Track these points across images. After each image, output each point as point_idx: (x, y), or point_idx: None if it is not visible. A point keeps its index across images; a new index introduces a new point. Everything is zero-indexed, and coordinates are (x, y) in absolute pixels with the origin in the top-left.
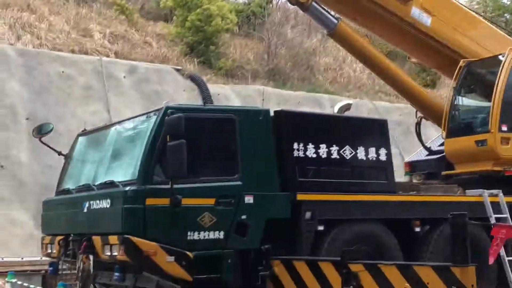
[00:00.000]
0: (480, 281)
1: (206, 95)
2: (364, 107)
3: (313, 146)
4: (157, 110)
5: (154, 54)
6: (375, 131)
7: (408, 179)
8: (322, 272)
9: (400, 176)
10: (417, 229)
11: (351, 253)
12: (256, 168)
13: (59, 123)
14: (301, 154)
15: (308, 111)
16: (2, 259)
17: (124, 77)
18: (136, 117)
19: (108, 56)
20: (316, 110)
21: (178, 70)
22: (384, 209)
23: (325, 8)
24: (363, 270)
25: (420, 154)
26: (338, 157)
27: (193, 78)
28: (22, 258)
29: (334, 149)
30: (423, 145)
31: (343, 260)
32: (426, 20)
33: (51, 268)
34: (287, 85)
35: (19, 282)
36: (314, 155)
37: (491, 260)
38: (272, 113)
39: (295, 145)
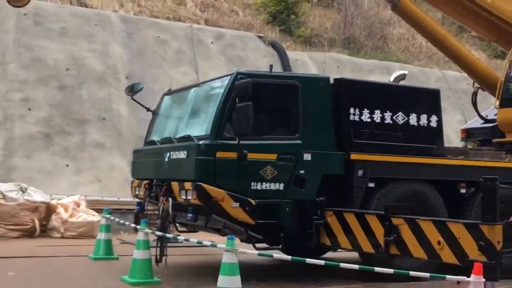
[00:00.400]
0: None
1: (285, 61)
2: (433, 76)
3: (368, 111)
4: (229, 75)
5: (239, 22)
6: (427, 99)
7: (463, 144)
8: (368, 224)
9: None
10: (463, 191)
11: (393, 208)
12: (315, 129)
13: (153, 82)
14: (356, 118)
15: (364, 80)
16: (102, 198)
17: (212, 42)
18: (211, 80)
19: (198, 23)
20: (386, 76)
21: (260, 37)
22: (431, 171)
23: None
24: (403, 224)
25: (476, 122)
26: (391, 122)
27: (273, 45)
28: (118, 198)
29: (388, 114)
30: (478, 113)
31: (386, 213)
32: None
33: (138, 207)
34: (361, 53)
35: (114, 219)
36: (369, 120)
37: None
38: (331, 81)
39: (351, 110)
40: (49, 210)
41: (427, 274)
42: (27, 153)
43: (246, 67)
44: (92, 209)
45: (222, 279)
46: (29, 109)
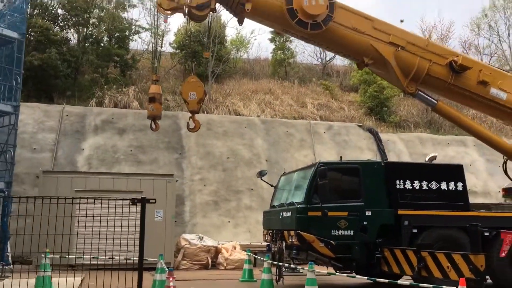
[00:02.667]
0: None
1: (378, 141)
2: None
3: (409, 181)
4: (315, 164)
5: (345, 115)
6: (453, 171)
7: (504, 200)
8: (408, 256)
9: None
10: (486, 234)
11: (421, 245)
12: (373, 194)
13: (284, 163)
14: (401, 186)
15: (405, 161)
16: (250, 243)
17: (324, 132)
18: (306, 167)
19: (315, 119)
20: (461, 148)
21: (360, 125)
22: (458, 220)
23: (426, 93)
24: (427, 255)
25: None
26: (426, 188)
27: (370, 130)
28: (261, 243)
29: (424, 183)
30: (508, 177)
31: (417, 249)
32: (502, 96)
33: (267, 247)
34: (440, 131)
35: (251, 254)
36: (410, 187)
37: (502, 254)
38: (383, 163)
39: (397, 181)
40: (217, 251)
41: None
42: (203, 214)
43: (349, 148)
44: (244, 250)
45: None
46: (205, 185)
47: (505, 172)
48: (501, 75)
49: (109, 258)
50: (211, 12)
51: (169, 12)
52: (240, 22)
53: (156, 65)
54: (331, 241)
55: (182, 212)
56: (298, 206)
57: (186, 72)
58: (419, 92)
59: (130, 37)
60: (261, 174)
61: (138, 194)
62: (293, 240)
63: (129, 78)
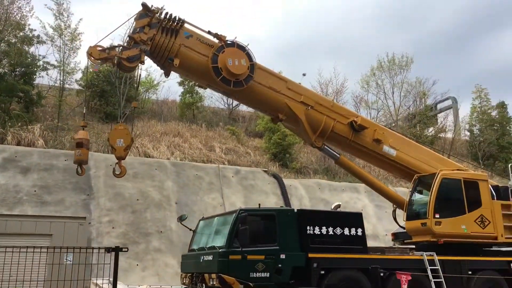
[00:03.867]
0: None
1: (282, 186)
2: None
3: (318, 227)
4: (235, 211)
5: (251, 160)
6: (354, 219)
7: (393, 244)
8: None
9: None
10: (381, 274)
11: (329, 286)
12: (287, 239)
13: (194, 205)
14: (311, 231)
15: (314, 209)
16: (160, 286)
17: (232, 176)
18: (226, 213)
19: (223, 163)
20: (354, 194)
21: (265, 171)
22: (359, 262)
23: (331, 147)
24: None
25: (400, 229)
26: (332, 233)
27: (274, 176)
28: (171, 286)
29: (330, 229)
30: (397, 223)
31: None
32: (392, 152)
33: None
34: (336, 178)
35: None
36: (318, 232)
37: None
38: (295, 211)
39: (308, 227)
40: None
41: None
42: (111, 257)
43: (256, 192)
44: None
45: None
46: (113, 227)
47: (394, 218)
48: (391, 134)
49: None
50: (139, 64)
51: (99, 61)
52: (167, 74)
53: (84, 111)
54: (250, 283)
55: (88, 255)
56: (220, 250)
57: (93, 110)
58: (325, 146)
59: (37, 73)
60: (181, 218)
61: (48, 237)
62: (214, 283)
63: (33, 115)
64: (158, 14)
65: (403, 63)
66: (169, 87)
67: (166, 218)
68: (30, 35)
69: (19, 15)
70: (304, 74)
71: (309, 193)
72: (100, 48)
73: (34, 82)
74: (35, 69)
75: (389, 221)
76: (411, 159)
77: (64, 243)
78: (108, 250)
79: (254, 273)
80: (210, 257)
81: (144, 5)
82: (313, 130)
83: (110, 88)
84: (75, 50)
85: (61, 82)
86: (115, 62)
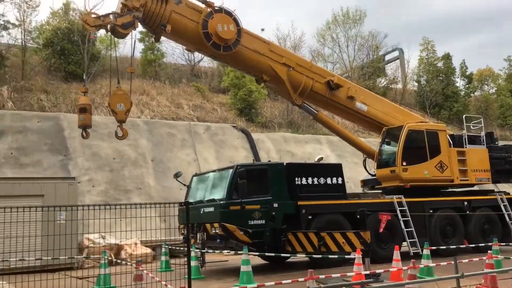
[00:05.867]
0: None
1: (251, 141)
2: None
3: (305, 178)
4: (231, 166)
5: (219, 116)
6: (335, 169)
7: (362, 189)
8: (309, 237)
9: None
10: (358, 216)
11: (320, 228)
12: (278, 190)
13: (168, 162)
14: (299, 182)
15: (301, 162)
16: (150, 238)
17: (203, 132)
18: (223, 169)
19: (193, 120)
20: (317, 145)
21: (234, 126)
22: (340, 207)
23: (309, 104)
24: (326, 235)
25: (368, 176)
26: (316, 183)
27: (243, 130)
28: (159, 238)
29: (315, 179)
30: (367, 172)
31: (318, 231)
32: (364, 108)
33: (183, 240)
34: (299, 130)
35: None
36: (305, 182)
37: (381, 230)
38: (285, 164)
39: (296, 178)
40: (119, 248)
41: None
42: (94, 214)
43: (226, 147)
44: (146, 246)
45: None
46: (93, 186)
47: (365, 167)
48: (362, 91)
49: (20, 260)
50: (132, 30)
51: (94, 28)
52: (157, 40)
53: (84, 78)
54: (248, 230)
55: (73, 213)
56: (221, 202)
57: (52, 69)
58: (305, 104)
59: None
60: (177, 175)
61: (40, 198)
62: (217, 231)
63: None
64: None
65: (357, 17)
66: (126, 42)
67: (143, 175)
68: None
69: None
70: (262, 29)
71: (276, 146)
72: (95, 15)
73: None
74: None
75: (349, 168)
76: (380, 113)
77: (55, 203)
78: (181, 204)
79: (252, 221)
80: (211, 209)
81: None
82: (294, 89)
83: (71, 46)
84: (34, 8)
85: (23, 41)
86: (109, 28)
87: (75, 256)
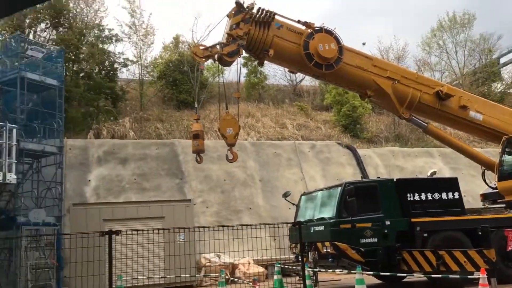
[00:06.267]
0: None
1: (357, 157)
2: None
3: (417, 194)
4: (340, 184)
5: (323, 134)
6: (450, 183)
7: (482, 204)
8: (426, 255)
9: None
10: (480, 233)
11: (437, 246)
12: (390, 207)
13: (275, 181)
14: (411, 198)
15: (412, 177)
16: (262, 257)
17: (308, 151)
18: (331, 187)
19: (297, 139)
20: (429, 159)
21: (339, 143)
22: (460, 224)
23: (418, 117)
24: (445, 254)
25: (488, 189)
26: (431, 198)
27: (348, 147)
28: (270, 257)
29: (429, 195)
30: (487, 184)
31: (435, 249)
32: (479, 117)
33: (295, 259)
34: (408, 144)
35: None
36: (418, 198)
37: (508, 248)
38: (395, 180)
39: (408, 194)
40: (233, 267)
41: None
42: (209, 234)
43: (332, 164)
44: (258, 264)
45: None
46: (207, 207)
47: (484, 179)
48: (476, 100)
49: (147, 278)
50: (238, 57)
51: (203, 59)
52: (261, 64)
53: (196, 106)
54: (361, 248)
55: (190, 234)
56: (331, 220)
57: (166, 99)
58: (413, 117)
59: (119, 70)
60: (285, 195)
61: (161, 219)
62: (328, 250)
63: (119, 108)
64: (251, 10)
65: (465, 20)
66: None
67: (252, 195)
68: (109, 34)
69: (96, 17)
70: (363, 44)
71: (384, 161)
72: (203, 47)
73: (116, 78)
74: (117, 66)
75: (465, 182)
76: (497, 121)
77: (175, 224)
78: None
79: (364, 239)
80: (322, 227)
81: (237, 3)
82: (400, 102)
83: (182, 77)
84: (149, 45)
85: (140, 76)
86: (216, 58)
87: (196, 275)
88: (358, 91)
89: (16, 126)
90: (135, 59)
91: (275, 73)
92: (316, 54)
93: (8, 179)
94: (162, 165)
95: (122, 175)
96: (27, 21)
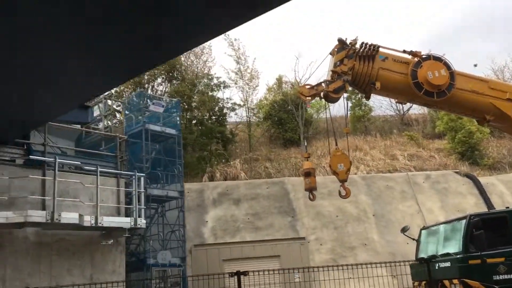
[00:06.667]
0: None
1: (479, 186)
2: None
3: None
4: (465, 216)
5: (438, 163)
6: None
7: None
8: None
9: None
10: None
11: None
12: None
13: (389, 215)
14: None
15: None
16: None
17: (423, 182)
18: (452, 220)
19: (410, 170)
20: None
21: (457, 172)
22: None
23: None
24: None
25: None
26: None
27: (468, 176)
28: None
29: None
30: None
31: None
32: None
33: None
34: None
35: None
36: None
37: None
38: None
39: None
40: None
41: None
42: (324, 276)
43: (450, 195)
44: None
45: None
46: (321, 244)
47: None
48: None
49: None
50: (344, 93)
51: (309, 98)
52: (367, 98)
53: (305, 144)
54: (494, 286)
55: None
56: (458, 256)
57: (273, 138)
58: None
59: (227, 114)
60: (404, 230)
61: (277, 258)
62: None
63: (231, 151)
64: (354, 45)
65: None
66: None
67: (366, 230)
68: (217, 82)
69: (205, 67)
70: (475, 65)
71: (510, 189)
72: (309, 86)
73: (225, 122)
74: (226, 111)
75: None
76: None
77: (290, 262)
78: None
79: (497, 276)
80: (448, 264)
81: (340, 40)
82: None
83: (286, 116)
84: (255, 88)
85: (248, 118)
86: (322, 95)
87: None
88: (474, 116)
89: (143, 174)
90: (242, 103)
91: (380, 104)
92: (425, 82)
93: (139, 224)
94: (273, 204)
95: (236, 215)
96: (146, 77)
